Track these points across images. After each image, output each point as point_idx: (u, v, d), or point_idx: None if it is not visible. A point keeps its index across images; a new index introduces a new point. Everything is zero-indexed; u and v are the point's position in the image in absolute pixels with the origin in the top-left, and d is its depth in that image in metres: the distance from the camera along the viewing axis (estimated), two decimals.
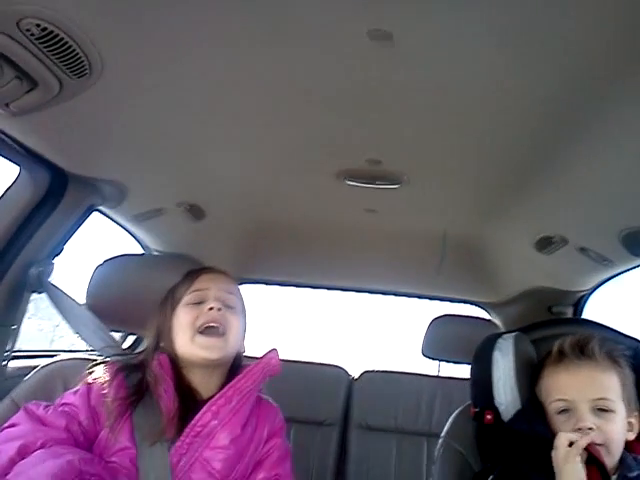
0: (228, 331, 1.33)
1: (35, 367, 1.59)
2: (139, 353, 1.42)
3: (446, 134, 1.62)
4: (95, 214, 2.00)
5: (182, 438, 1.23)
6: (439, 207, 2.29)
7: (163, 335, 1.37)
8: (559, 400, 1.25)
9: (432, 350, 2.48)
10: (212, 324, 1.31)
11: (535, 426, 1.25)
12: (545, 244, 2.24)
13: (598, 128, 1.43)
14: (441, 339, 2.46)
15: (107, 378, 1.29)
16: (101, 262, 1.72)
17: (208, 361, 1.31)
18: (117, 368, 1.33)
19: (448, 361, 2.48)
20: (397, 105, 1.48)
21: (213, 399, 1.27)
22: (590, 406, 1.21)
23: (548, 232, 2.17)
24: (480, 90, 1.36)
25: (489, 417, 1.37)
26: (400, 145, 1.74)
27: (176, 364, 1.33)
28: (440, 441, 1.50)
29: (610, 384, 1.24)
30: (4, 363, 1.75)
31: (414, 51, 1.22)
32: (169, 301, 1.39)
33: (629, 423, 1.25)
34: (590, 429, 1.18)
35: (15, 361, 1.82)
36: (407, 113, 1.52)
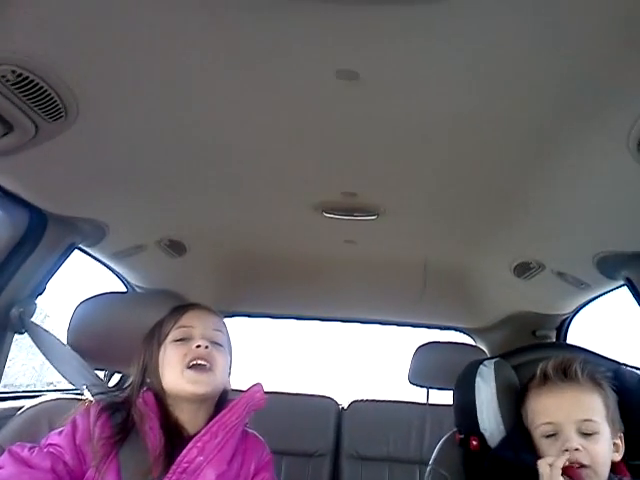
0: (215, 368, 1.32)
1: (20, 408, 1.58)
2: (124, 390, 1.40)
3: (419, 166, 1.65)
4: (76, 252, 2.00)
5: (169, 475, 1.21)
6: (418, 236, 2.31)
7: (149, 371, 1.36)
8: (545, 424, 1.25)
9: (419, 377, 2.48)
10: (200, 362, 1.31)
11: (521, 454, 1.25)
12: (523, 270, 2.28)
13: (572, 158, 1.45)
14: (427, 366, 2.45)
15: (92, 417, 1.28)
16: (82, 300, 1.71)
17: (196, 396, 1.30)
18: (101, 407, 1.31)
19: (435, 388, 2.47)
20: (368, 139, 1.50)
21: (199, 435, 1.26)
22: (576, 427, 1.21)
23: (525, 258, 2.20)
24: (450, 122, 1.38)
25: (475, 443, 1.37)
26: (373, 178, 1.77)
27: (162, 400, 1.33)
28: (428, 469, 1.50)
29: (594, 405, 1.25)
30: None
31: (380, 88, 1.25)
32: (155, 337, 1.39)
33: (614, 444, 1.25)
34: (576, 450, 1.18)
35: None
36: (378, 147, 1.54)
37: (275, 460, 2.51)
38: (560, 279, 2.18)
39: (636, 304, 1.84)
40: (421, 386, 2.49)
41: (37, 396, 1.66)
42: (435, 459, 1.50)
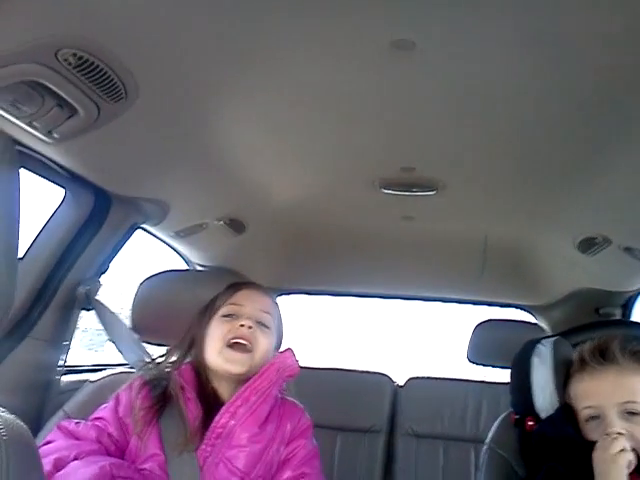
0: (255, 349, 1.37)
1: (85, 381, 1.66)
2: (169, 364, 1.46)
3: (478, 139, 1.62)
4: (138, 232, 2.07)
5: (205, 441, 1.28)
6: (477, 212, 2.27)
7: (196, 343, 1.42)
8: (587, 407, 1.23)
9: (477, 356, 2.45)
10: (240, 340, 1.36)
11: (562, 429, 1.24)
12: (588, 245, 2.20)
13: (636, 129, 1.40)
14: (486, 344, 2.42)
15: (134, 391, 1.35)
16: (145, 278, 1.76)
17: (232, 374, 1.35)
18: (144, 381, 1.39)
19: (494, 366, 2.44)
20: (425, 113, 1.49)
21: (230, 401, 1.31)
22: (618, 410, 1.19)
23: (591, 233, 2.13)
24: (510, 93, 1.35)
25: (530, 424, 1.36)
26: (432, 152, 1.75)
27: (201, 373, 1.39)
28: (484, 448, 1.49)
29: (637, 386, 1.21)
30: (57, 378, 1.83)
31: (437, 58, 1.23)
32: (207, 311, 1.45)
33: None
34: (619, 434, 1.15)
35: (67, 376, 1.90)
36: (436, 120, 1.53)
37: (330, 435, 2.60)
38: (627, 254, 2.09)
39: None
40: (480, 364, 2.47)
41: (102, 370, 1.74)
42: (492, 438, 1.49)
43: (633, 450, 1.13)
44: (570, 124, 1.48)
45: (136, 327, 1.71)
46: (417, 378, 2.83)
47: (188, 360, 1.43)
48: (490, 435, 1.51)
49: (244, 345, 1.36)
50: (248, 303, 1.42)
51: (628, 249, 2.06)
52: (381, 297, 3.33)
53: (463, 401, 2.67)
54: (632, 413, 1.18)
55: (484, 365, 2.45)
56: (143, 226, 2.07)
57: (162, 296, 1.72)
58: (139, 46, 1.21)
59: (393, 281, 3.05)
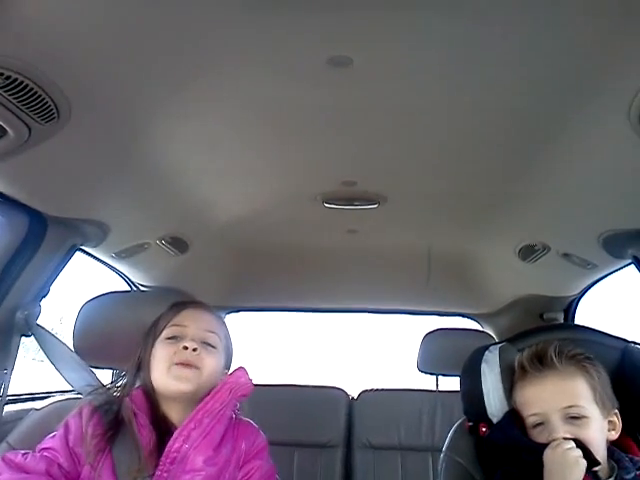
0: (202, 368, 1.34)
1: (30, 410, 1.58)
2: (118, 388, 1.42)
3: (417, 152, 1.64)
4: (78, 253, 2.00)
5: (160, 467, 1.24)
6: (420, 223, 2.30)
7: (142, 367, 1.38)
8: (531, 415, 1.24)
9: (427, 365, 2.47)
10: (185, 363, 1.32)
11: (510, 434, 1.26)
12: (528, 252, 2.27)
13: (573, 137, 1.44)
14: (435, 353, 2.45)
15: (84, 418, 1.30)
16: (86, 301, 1.71)
17: (181, 393, 1.31)
18: (94, 407, 1.33)
19: (444, 374, 2.47)
20: (364, 128, 1.50)
21: (184, 424, 1.28)
22: (561, 415, 1.20)
23: (530, 240, 2.19)
24: (446, 106, 1.37)
25: (484, 429, 1.36)
26: (373, 166, 1.76)
27: (151, 397, 1.34)
28: (442, 455, 1.49)
29: (577, 390, 1.23)
30: None
31: (374, 74, 1.24)
32: (151, 333, 1.41)
33: (610, 422, 1.24)
34: (564, 439, 1.17)
35: (10, 406, 1.81)
36: (375, 134, 1.54)
37: (287, 452, 2.57)
38: (566, 260, 2.17)
39: None
40: (430, 373, 2.49)
41: (47, 398, 1.66)
42: (448, 446, 1.49)
43: (580, 449, 1.15)
44: (506, 135, 1.51)
45: (79, 351, 1.65)
46: (370, 390, 2.84)
47: (138, 384, 1.38)
48: (446, 443, 1.51)
49: (190, 365, 1.33)
50: (192, 323, 1.39)
51: (566, 255, 2.13)
52: (328, 311, 3.33)
53: (417, 410, 2.69)
54: (575, 417, 1.20)
55: (434, 374, 2.48)
56: (82, 247, 2.00)
57: (104, 319, 1.67)
58: (71, 66, 1.18)
59: (340, 294, 3.06)
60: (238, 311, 3.18)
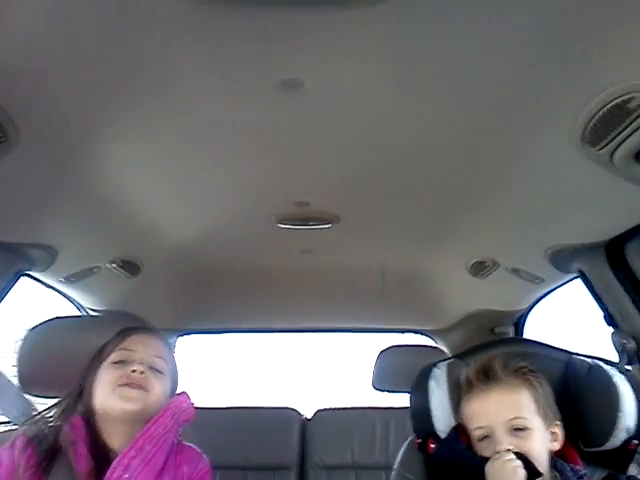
0: (150, 391, 1.33)
1: None
2: (56, 416, 1.38)
3: (369, 172, 1.66)
4: (24, 279, 1.95)
5: None
6: (372, 242, 2.32)
7: (85, 392, 1.36)
8: (477, 428, 1.27)
9: (382, 382, 2.48)
10: (132, 383, 1.31)
11: (455, 449, 1.28)
12: (479, 268, 2.32)
13: (518, 155, 1.48)
14: (390, 370, 2.46)
15: (17, 450, 1.26)
16: (32, 326, 1.66)
17: (126, 413, 1.30)
18: (28, 438, 1.30)
19: (399, 391, 2.48)
20: (316, 149, 1.52)
21: (123, 452, 1.25)
22: (506, 427, 1.23)
23: (480, 257, 2.24)
24: (396, 126, 1.40)
25: (432, 446, 1.38)
26: (325, 186, 1.78)
27: (92, 424, 1.32)
28: (393, 473, 1.49)
29: (521, 402, 1.26)
30: None
31: (326, 97, 1.26)
32: (97, 357, 1.39)
33: (552, 434, 1.28)
34: (508, 450, 1.20)
35: None
36: (327, 155, 1.56)
37: (239, 476, 2.53)
38: (515, 275, 2.22)
39: (590, 295, 1.88)
40: (385, 391, 2.50)
41: None
42: (399, 463, 1.50)
43: (521, 460, 1.18)
44: (455, 154, 1.54)
45: (24, 380, 1.58)
46: (325, 410, 2.83)
47: (78, 411, 1.35)
48: (397, 459, 1.51)
49: (137, 385, 1.31)
50: (140, 348, 1.38)
51: (515, 270, 2.19)
52: (284, 331, 3.32)
53: (371, 428, 2.70)
54: (518, 429, 1.23)
55: (389, 391, 2.49)
56: (29, 273, 1.96)
57: (52, 345, 1.61)
58: (18, 89, 1.16)
59: (294, 314, 3.05)
60: (190, 334, 3.15)
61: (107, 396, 1.30)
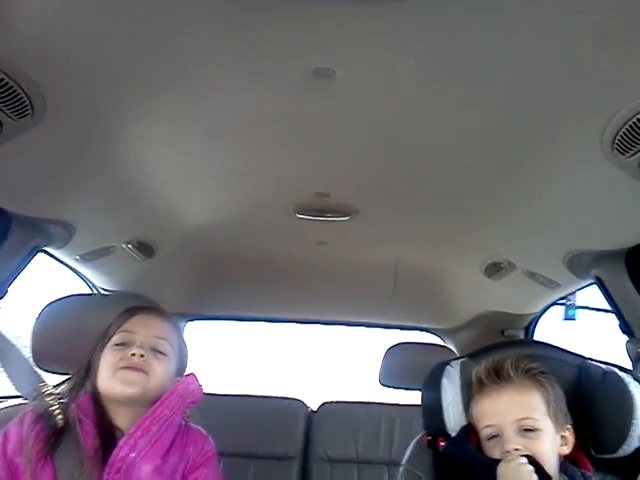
0: (151, 374, 1.34)
1: None
2: (66, 393, 1.40)
3: (390, 167, 1.65)
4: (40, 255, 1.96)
5: (105, 476, 1.22)
6: (389, 237, 2.31)
7: (91, 372, 1.37)
8: (486, 427, 1.27)
9: (389, 379, 2.49)
10: (132, 366, 1.32)
11: (464, 449, 1.28)
12: (494, 270, 2.30)
13: (544, 159, 1.47)
14: (397, 367, 2.47)
15: (25, 426, 1.28)
16: (47, 303, 1.67)
17: (126, 397, 1.31)
18: (37, 414, 1.31)
19: (405, 389, 2.49)
20: (341, 140, 1.51)
21: (130, 432, 1.27)
22: (515, 427, 1.23)
23: (496, 258, 2.23)
24: (421, 123, 1.39)
25: (442, 444, 1.38)
26: (347, 178, 1.77)
27: (99, 403, 1.33)
28: (401, 469, 1.49)
29: (532, 403, 1.26)
30: None
31: (356, 87, 1.25)
32: (102, 339, 1.40)
33: (562, 437, 1.27)
34: (517, 450, 1.20)
35: None
36: (351, 147, 1.55)
37: (243, 463, 2.55)
38: (531, 279, 2.21)
39: (606, 302, 1.86)
40: (392, 387, 2.51)
41: None
42: (408, 459, 1.50)
43: (532, 464, 1.17)
44: (478, 154, 1.53)
45: (37, 356, 1.61)
46: (330, 403, 2.84)
47: (86, 389, 1.37)
48: (406, 456, 1.51)
49: (137, 369, 1.32)
50: (141, 330, 1.39)
51: (532, 274, 2.17)
52: (293, 322, 3.32)
53: (376, 424, 2.70)
54: (528, 430, 1.23)
55: (395, 388, 2.50)
56: (45, 249, 1.96)
57: (65, 323, 1.64)
58: (48, 63, 1.16)
59: (305, 305, 3.05)
60: (200, 319, 3.16)
61: (109, 379, 1.32)
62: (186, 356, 1.50)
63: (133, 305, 1.48)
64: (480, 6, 0.98)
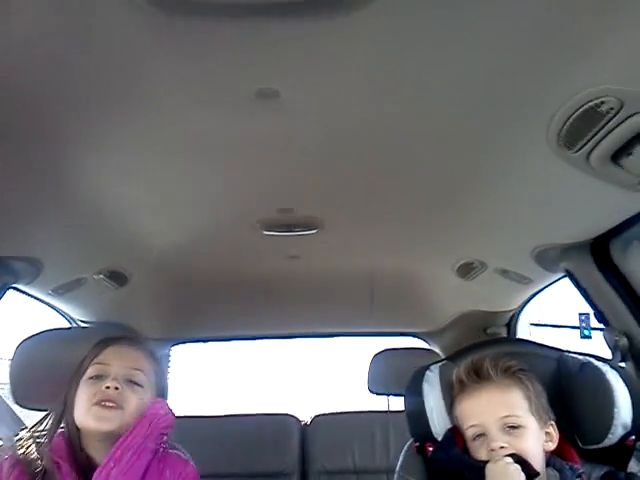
0: (126, 407, 1.32)
1: None
2: (44, 432, 1.38)
3: (351, 176, 1.65)
4: (11, 292, 1.93)
5: None
6: (360, 246, 2.31)
7: (67, 407, 1.36)
8: (470, 427, 1.27)
9: (377, 385, 2.48)
10: (107, 403, 1.30)
11: (450, 453, 1.28)
12: (467, 270, 2.31)
13: (499, 157, 1.47)
14: (385, 373, 2.46)
15: (4, 473, 1.26)
16: (23, 339, 1.64)
17: (101, 433, 1.30)
18: (15, 460, 1.29)
19: (394, 395, 2.48)
20: (296, 155, 1.50)
21: (102, 465, 1.25)
22: (499, 425, 1.23)
23: (467, 259, 2.24)
24: (374, 132, 1.39)
25: (431, 449, 1.38)
26: (307, 192, 1.77)
27: (73, 440, 1.32)
28: (395, 476, 1.49)
29: (514, 401, 1.27)
30: None
31: (301, 105, 1.25)
32: (77, 372, 1.39)
33: (547, 434, 1.28)
34: (502, 447, 1.20)
35: None
36: (307, 161, 1.55)
37: None
38: (503, 276, 2.22)
39: (579, 293, 1.87)
40: (380, 394, 2.50)
41: None
42: (401, 466, 1.50)
43: (518, 462, 1.17)
44: (437, 155, 1.53)
45: (17, 394, 1.58)
46: (323, 415, 2.83)
47: (61, 428, 1.35)
48: (399, 463, 1.51)
49: (111, 405, 1.31)
50: (115, 361, 1.37)
51: (503, 271, 2.19)
52: (276, 338, 3.31)
53: (370, 432, 2.71)
54: (512, 427, 1.23)
55: (384, 394, 2.49)
56: (15, 286, 1.93)
57: (42, 358, 1.61)
58: None
59: (285, 320, 3.03)
60: (183, 342, 3.13)
61: (83, 415, 1.30)
62: (166, 385, 1.49)
63: (106, 336, 1.47)
64: (422, 18, 0.99)
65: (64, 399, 1.37)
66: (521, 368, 1.32)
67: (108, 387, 1.31)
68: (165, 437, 1.37)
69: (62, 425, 1.37)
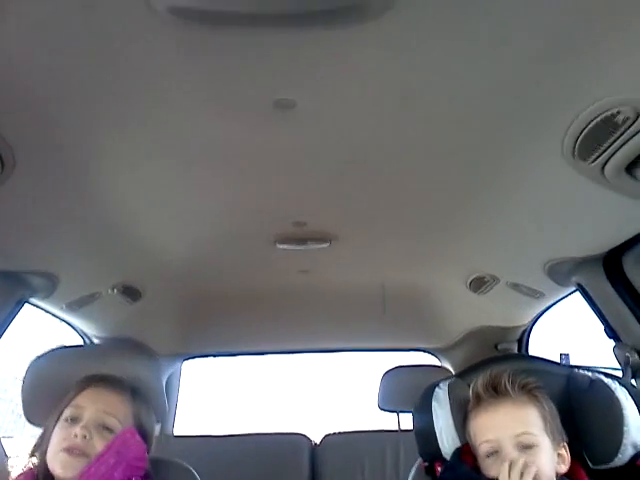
0: (93, 455, 1.30)
1: None
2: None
3: (366, 190, 1.66)
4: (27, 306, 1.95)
5: None
6: (372, 260, 2.32)
7: (43, 442, 1.36)
8: (484, 442, 1.26)
9: (388, 403, 2.48)
10: (74, 451, 1.30)
11: (459, 472, 1.26)
12: (479, 284, 2.31)
13: (513, 170, 1.48)
14: (395, 391, 2.46)
15: None
16: (36, 356, 1.66)
17: (67, 479, 1.29)
18: None
19: (405, 412, 2.47)
20: (311, 168, 1.52)
21: None
22: (514, 442, 1.22)
23: (479, 273, 2.24)
24: (390, 146, 1.40)
25: (440, 469, 1.36)
26: (322, 206, 1.78)
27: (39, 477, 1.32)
28: None
29: (530, 418, 1.26)
30: None
31: (318, 116, 1.27)
32: (57, 409, 1.38)
33: (559, 455, 1.26)
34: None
35: None
36: (323, 174, 1.56)
37: None
38: (515, 290, 2.22)
39: (589, 308, 1.86)
40: (391, 411, 2.49)
41: None
42: None
43: None
44: (451, 171, 1.54)
45: (28, 412, 1.57)
46: (332, 434, 2.82)
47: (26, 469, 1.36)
48: None
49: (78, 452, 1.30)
50: (90, 405, 1.36)
51: (515, 285, 2.18)
52: (287, 352, 3.30)
53: (381, 452, 2.69)
54: (527, 445, 1.22)
55: (394, 412, 2.48)
56: (31, 300, 1.96)
57: (54, 376, 1.60)
58: (13, 114, 1.17)
59: (297, 335, 3.03)
60: (194, 357, 3.14)
61: (52, 459, 1.30)
62: (150, 428, 1.47)
63: (127, 354, 1.46)
64: (437, 29, 1.00)
65: (43, 434, 1.37)
66: (537, 386, 1.31)
67: (77, 435, 1.30)
68: (142, 471, 1.35)
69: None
